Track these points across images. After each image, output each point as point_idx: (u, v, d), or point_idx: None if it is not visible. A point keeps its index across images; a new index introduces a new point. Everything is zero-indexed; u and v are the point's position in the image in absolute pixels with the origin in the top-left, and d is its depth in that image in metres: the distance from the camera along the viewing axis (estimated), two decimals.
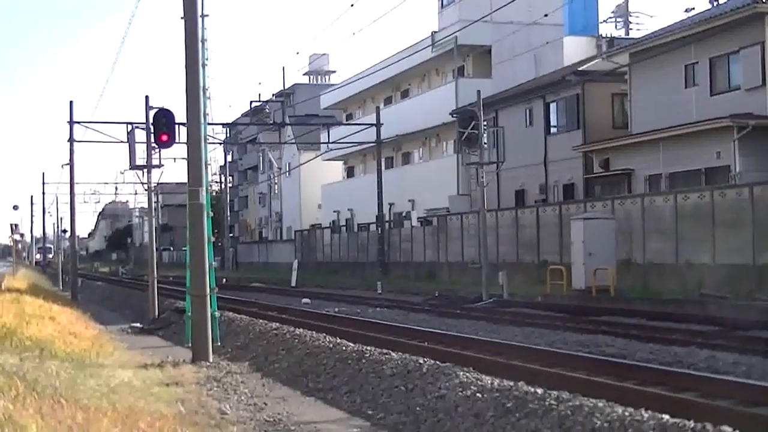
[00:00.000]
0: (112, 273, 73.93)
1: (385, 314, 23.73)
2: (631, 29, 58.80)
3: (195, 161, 14.10)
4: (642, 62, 33.61)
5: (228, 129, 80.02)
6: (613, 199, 30.70)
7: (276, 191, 79.29)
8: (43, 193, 73.80)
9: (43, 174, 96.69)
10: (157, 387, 11.08)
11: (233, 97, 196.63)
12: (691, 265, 25.84)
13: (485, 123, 30.08)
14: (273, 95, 77.45)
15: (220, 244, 66.28)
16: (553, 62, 45.79)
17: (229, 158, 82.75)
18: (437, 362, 10.92)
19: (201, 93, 14.24)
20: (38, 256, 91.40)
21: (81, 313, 23.64)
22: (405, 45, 53.17)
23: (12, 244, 66.48)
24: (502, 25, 44.01)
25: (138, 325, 22.14)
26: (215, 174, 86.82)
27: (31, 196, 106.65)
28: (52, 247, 69.24)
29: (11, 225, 63.52)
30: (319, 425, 9.57)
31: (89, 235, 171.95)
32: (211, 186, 63.17)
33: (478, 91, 30.97)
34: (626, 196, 30.89)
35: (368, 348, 12.59)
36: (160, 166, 24.38)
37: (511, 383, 9.27)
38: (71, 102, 37.17)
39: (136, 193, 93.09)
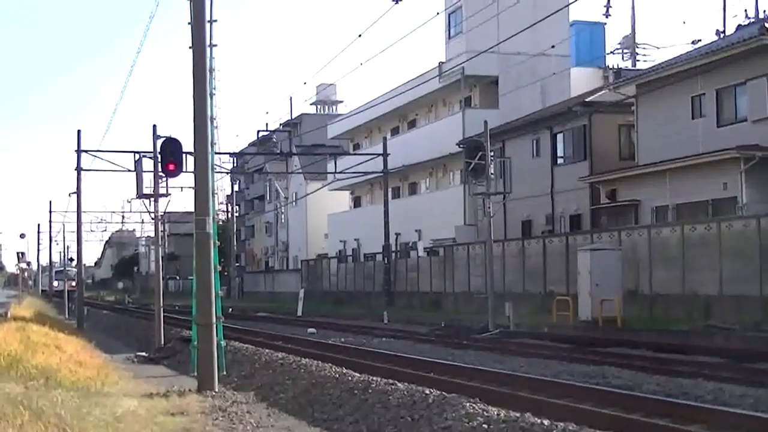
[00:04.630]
0: (118, 301, 73.74)
1: (391, 344, 23.66)
2: (637, 61, 58.94)
3: (202, 190, 14.14)
4: (649, 93, 33.71)
5: (235, 158, 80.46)
6: (619, 230, 30.68)
7: (282, 221, 79.36)
8: (50, 221, 73.19)
9: (50, 202, 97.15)
10: (162, 416, 11.04)
11: (240, 127, 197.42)
12: (698, 296, 25.79)
13: (492, 153, 30.16)
14: (280, 125, 77.73)
15: (226, 273, 66.29)
16: (560, 93, 46.01)
17: (236, 188, 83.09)
18: (443, 393, 10.88)
19: (208, 122, 14.29)
20: (56, 283, 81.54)
21: (87, 342, 23.56)
22: (412, 75, 53.40)
23: (19, 272, 66.38)
24: (509, 56, 44.24)
25: (144, 354, 22.10)
26: (222, 203, 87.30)
27: (38, 225, 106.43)
28: (73, 271, 62.07)
29: (18, 253, 63.45)
30: None
31: (96, 263, 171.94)
32: (217, 215, 63.22)
33: (485, 122, 31.00)
34: (633, 227, 30.87)
35: (374, 378, 12.56)
36: (167, 195, 24.41)
37: (518, 414, 9.24)
38: (79, 131, 37.12)
39: (142, 222, 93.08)
